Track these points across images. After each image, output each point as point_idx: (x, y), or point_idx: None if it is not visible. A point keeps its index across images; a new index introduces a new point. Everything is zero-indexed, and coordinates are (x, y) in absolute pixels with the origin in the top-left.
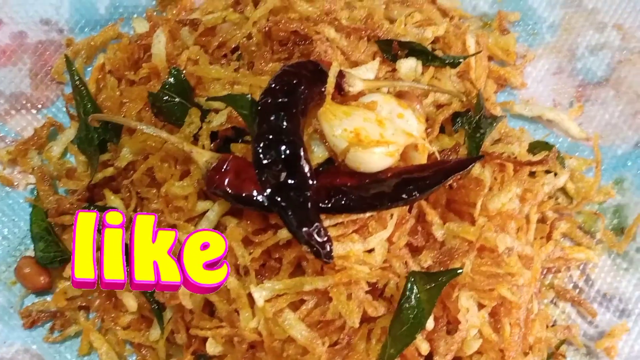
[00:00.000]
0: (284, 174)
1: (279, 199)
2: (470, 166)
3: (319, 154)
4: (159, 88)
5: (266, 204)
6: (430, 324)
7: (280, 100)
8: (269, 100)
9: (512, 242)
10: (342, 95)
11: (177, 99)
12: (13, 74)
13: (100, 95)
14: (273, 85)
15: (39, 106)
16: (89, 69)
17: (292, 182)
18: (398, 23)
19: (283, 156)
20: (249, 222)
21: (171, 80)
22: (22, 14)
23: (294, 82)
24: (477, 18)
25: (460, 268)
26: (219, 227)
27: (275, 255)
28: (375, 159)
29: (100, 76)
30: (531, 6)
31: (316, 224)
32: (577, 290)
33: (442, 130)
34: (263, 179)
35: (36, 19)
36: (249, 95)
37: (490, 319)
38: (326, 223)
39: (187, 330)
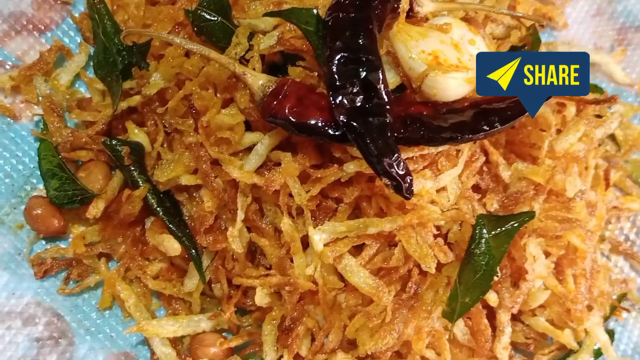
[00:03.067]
0: (361, 97)
1: (355, 125)
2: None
3: (390, 79)
4: (192, 7)
5: (336, 134)
6: (497, 273)
7: (353, 15)
8: (341, 15)
9: (581, 185)
10: (410, 16)
11: (217, 18)
12: None
13: (117, 16)
14: None
15: (42, 28)
16: None
17: (371, 106)
18: None
19: (361, 77)
20: (305, 156)
21: None
22: None
23: None
24: None
25: (533, 212)
26: (267, 163)
27: (334, 194)
28: (453, 86)
29: None
30: None
31: (396, 154)
32: (629, 242)
33: None
34: (338, 102)
35: None
36: (316, 10)
37: (553, 270)
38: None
39: (228, 280)
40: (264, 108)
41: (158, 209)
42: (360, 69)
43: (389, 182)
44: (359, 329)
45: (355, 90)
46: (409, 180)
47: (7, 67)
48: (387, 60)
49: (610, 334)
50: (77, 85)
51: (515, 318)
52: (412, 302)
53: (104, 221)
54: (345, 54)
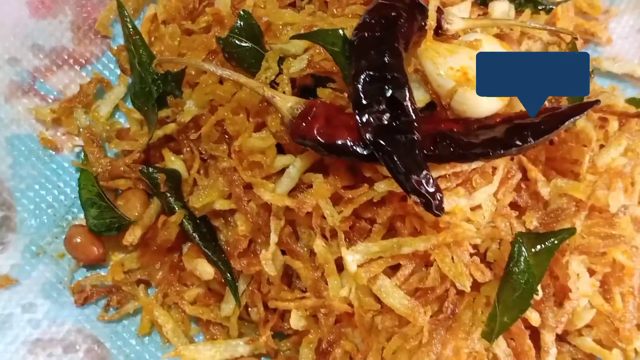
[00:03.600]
0: (387, 115)
1: (383, 143)
2: (586, 109)
3: (419, 97)
4: (225, 35)
5: (365, 153)
6: (539, 292)
7: (378, 34)
8: (366, 35)
9: (625, 200)
10: (439, 34)
11: (248, 44)
12: (53, 26)
13: (154, 47)
14: (368, 19)
15: (83, 62)
16: (136, 22)
17: (398, 123)
18: None
19: (387, 95)
20: (336, 177)
21: (241, 23)
22: None
23: (393, 14)
24: None
25: (574, 228)
26: (300, 186)
27: (367, 214)
28: (484, 102)
29: (152, 27)
30: None
31: (425, 171)
32: None
33: None
34: (364, 120)
35: None
36: (341, 30)
37: (599, 288)
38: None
39: (264, 304)
40: (292, 130)
41: (194, 234)
42: (386, 87)
43: (418, 200)
44: (396, 351)
45: (381, 109)
46: (439, 198)
47: (49, 100)
48: (416, 79)
49: None
50: (117, 116)
51: (561, 339)
52: (450, 322)
53: (143, 248)
54: (370, 72)
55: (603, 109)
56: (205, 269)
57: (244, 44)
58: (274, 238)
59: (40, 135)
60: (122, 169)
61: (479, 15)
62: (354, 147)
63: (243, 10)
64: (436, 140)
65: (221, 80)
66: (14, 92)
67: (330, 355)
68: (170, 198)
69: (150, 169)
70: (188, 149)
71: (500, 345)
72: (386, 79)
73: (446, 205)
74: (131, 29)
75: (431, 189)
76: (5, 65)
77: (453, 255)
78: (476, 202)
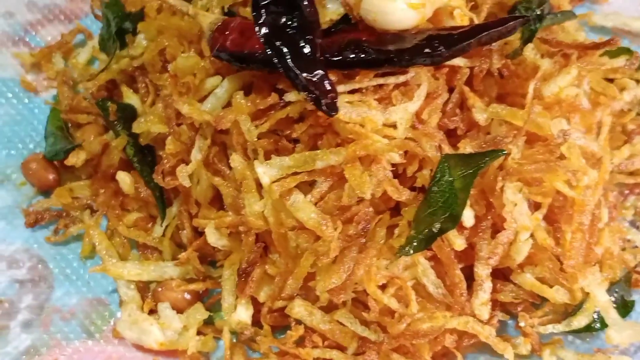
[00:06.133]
0: (284, 17)
1: (277, 43)
2: (513, 24)
3: (333, 9)
4: None
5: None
6: (469, 219)
7: None
8: None
9: (568, 127)
10: None
11: None
12: None
13: None
14: None
15: (72, 17)
16: None
17: (293, 24)
18: None
19: None
20: (259, 95)
21: None
22: None
23: None
24: None
25: (502, 150)
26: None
27: (287, 132)
28: (394, 9)
29: None
30: None
31: (319, 70)
32: None
33: None
34: (261, 22)
35: None
36: None
37: (548, 226)
38: (341, 88)
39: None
40: (211, 44)
41: (134, 157)
42: None
43: (307, 97)
44: (317, 272)
45: (278, 9)
46: (330, 97)
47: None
48: None
49: (629, 304)
50: (96, 65)
51: (506, 278)
52: (363, 240)
53: (94, 176)
54: None
55: (552, 40)
56: (124, 179)
57: None
58: (195, 155)
59: (21, 78)
60: (84, 105)
61: None
62: (260, 54)
63: None
64: (341, 47)
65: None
66: (4, 42)
67: (249, 276)
68: (118, 127)
69: (104, 101)
70: (143, 84)
71: (430, 277)
72: None
73: (355, 116)
74: None
75: (324, 89)
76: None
77: (367, 171)
78: (392, 117)
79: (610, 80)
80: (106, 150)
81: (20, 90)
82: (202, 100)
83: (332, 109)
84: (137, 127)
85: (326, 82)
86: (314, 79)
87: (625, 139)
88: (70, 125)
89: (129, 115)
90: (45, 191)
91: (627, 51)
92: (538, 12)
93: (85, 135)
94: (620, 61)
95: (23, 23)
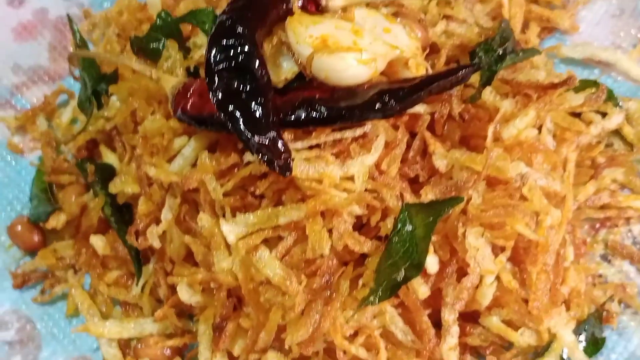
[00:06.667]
0: (236, 81)
1: (230, 108)
2: (462, 73)
3: (287, 68)
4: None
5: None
6: (433, 265)
7: (235, 4)
8: (229, 8)
9: (527, 169)
10: (320, 10)
11: (164, 40)
12: (33, 48)
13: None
14: None
15: (56, 77)
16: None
17: (246, 88)
18: None
19: (236, 61)
20: (223, 154)
21: (159, 21)
22: None
23: None
24: None
25: (461, 197)
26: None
27: (252, 189)
28: (345, 66)
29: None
30: None
31: (271, 132)
32: (638, 247)
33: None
34: (214, 86)
35: None
36: (211, 8)
37: (515, 268)
38: (298, 145)
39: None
40: (174, 107)
41: (111, 217)
42: (236, 53)
43: (261, 160)
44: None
45: (231, 75)
46: (284, 158)
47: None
48: (285, 52)
49: (600, 341)
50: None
51: (476, 321)
52: (327, 293)
53: (76, 236)
54: (222, 40)
55: (512, 81)
56: (97, 242)
57: (160, 41)
58: (166, 214)
59: (8, 140)
60: (65, 165)
61: None
62: (218, 117)
63: (163, 11)
64: (295, 106)
65: None
66: None
67: (223, 331)
68: (97, 187)
69: (83, 162)
70: (119, 143)
71: (397, 323)
72: (235, 46)
73: (313, 172)
74: (78, 40)
75: (277, 150)
76: None
77: (329, 225)
78: (350, 170)
79: (579, 114)
80: (85, 212)
81: (8, 153)
82: (171, 159)
83: (286, 169)
84: (112, 188)
85: (279, 143)
86: (267, 142)
87: (592, 173)
88: (54, 185)
89: (107, 174)
90: (32, 252)
91: (594, 84)
92: (500, 52)
93: (67, 196)
94: (579, 98)
95: (9, 86)
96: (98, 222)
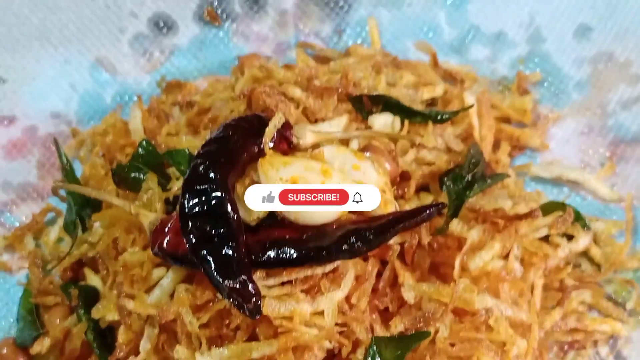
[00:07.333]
0: (209, 225)
1: (203, 252)
2: (427, 213)
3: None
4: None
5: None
6: None
7: (208, 149)
8: (202, 151)
9: (493, 302)
10: (292, 148)
11: (146, 170)
12: (22, 166)
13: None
14: (209, 137)
15: (45, 195)
16: None
17: (218, 232)
18: (377, 81)
19: (208, 206)
20: (199, 288)
21: (140, 150)
22: (35, 110)
23: (230, 133)
24: (495, 82)
25: (428, 332)
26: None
27: (227, 321)
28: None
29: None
30: (555, 65)
31: (242, 276)
32: None
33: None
34: (187, 230)
35: (47, 113)
36: (187, 150)
37: None
38: (270, 282)
39: None
40: (152, 243)
41: (94, 343)
42: (210, 200)
43: (231, 303)
44: None
45: (204, 220)
46: (253, 301)
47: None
48: None
49: None
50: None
51: None
52: None
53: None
54: (195, 186)
55: (480, 211)
56: None
57: (141, 171)
58: (144, 345)
59: None
60: (51, 286)
61: (357, 128)
62: (191, 257)
63: (144, 139)
64: (265, 248)
65: None
66: None
67: None
68: (80, 311)
69: (68, 285)
70: (104, 266)
71: None
72: (207, 191)
73: (284, 310)
74: (65, 163)
75: (247, 294)
76: None
77: (301, 359)
78: (320, 306)
79: (547, 237)
80: (68, 336)
81: None
82: (150, 289)
83: (256, 312)
84: (95, 313)
85: (250, 286)
86: (237, 286)
87: (560, 296)
88: (41, 306)
89: (91, 297)
90: None
91: (561, 206)
92: (469, 179)
93: (52, 318)
94: (547, 220)
95: None
96: (81, 345)
